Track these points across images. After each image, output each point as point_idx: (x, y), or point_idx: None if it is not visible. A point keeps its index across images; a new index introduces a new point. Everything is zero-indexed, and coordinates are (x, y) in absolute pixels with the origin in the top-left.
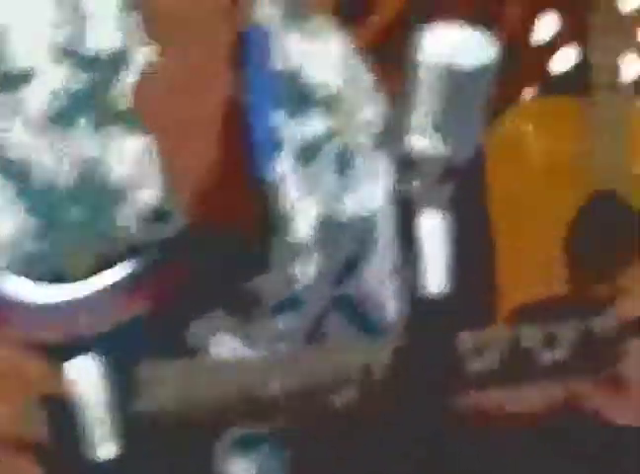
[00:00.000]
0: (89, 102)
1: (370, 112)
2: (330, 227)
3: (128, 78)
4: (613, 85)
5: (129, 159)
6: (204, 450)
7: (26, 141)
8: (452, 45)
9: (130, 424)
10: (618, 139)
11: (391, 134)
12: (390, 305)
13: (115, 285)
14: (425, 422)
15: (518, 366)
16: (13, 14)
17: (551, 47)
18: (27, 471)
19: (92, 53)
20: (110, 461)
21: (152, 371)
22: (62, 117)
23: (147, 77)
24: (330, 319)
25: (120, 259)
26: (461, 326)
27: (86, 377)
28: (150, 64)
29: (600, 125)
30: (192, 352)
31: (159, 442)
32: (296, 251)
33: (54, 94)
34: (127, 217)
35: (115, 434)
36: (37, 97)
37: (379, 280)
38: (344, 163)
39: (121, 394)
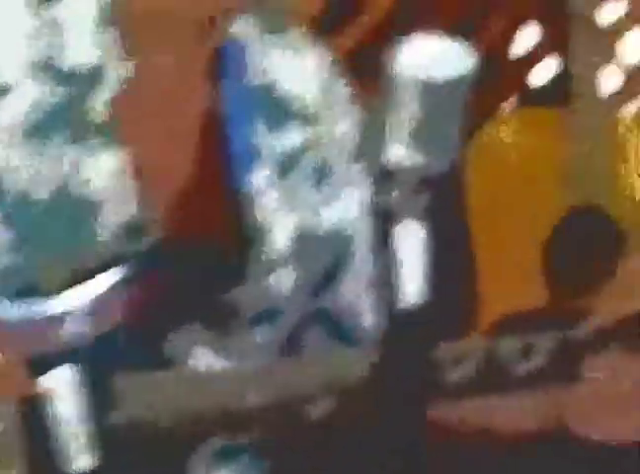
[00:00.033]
0: (65, 116)
1: (347, 124)
2: (307, 239)
3: (105, 93)
4: (594, 96)
5: (105, 173)
6: (181, 463)
7: (1, 154)
8: (429, 57)
9: (106, 436)
10: (599, 151)
11: (368, 146)
12: (368, 317)
13: (91, 299)
14: (402, 432)
15: (494, 377)
16: None
17: (532, 59)
18: None
19: (69, 68)
20: None
21: (128, 383)
22: (38, 130)
23: (124, 91)
24: (308, 332)
25: (97, 272)
26: (439, 337)
27: (62, 389)
28: (127, 79)
29: (581, 137)
30: (168, 364)
31: (135, 455)
32: (273, 263)
33: (31, 108)
34: (104, 231)
35: (91, 446)
36: (13, 110)
37: (357, 292)
38: (321, 175)
39: (98, 406)
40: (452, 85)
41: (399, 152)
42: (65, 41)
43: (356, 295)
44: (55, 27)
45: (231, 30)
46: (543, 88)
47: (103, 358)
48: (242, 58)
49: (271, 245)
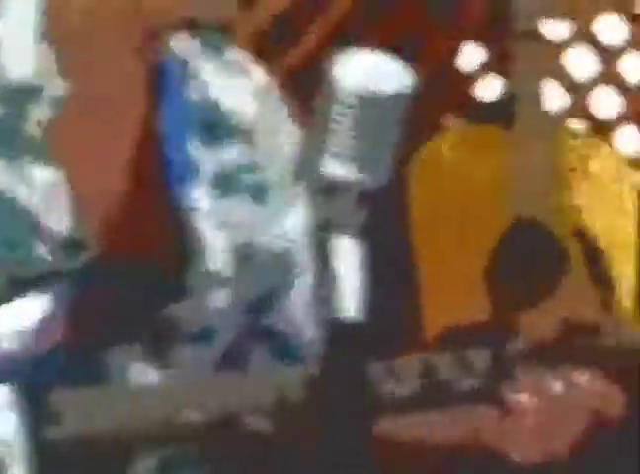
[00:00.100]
0: (0, 132)
1: (286, 142)
2: (246, 257)
3: (41, 109)
4: (537, 113)
5: (40, 189)
6: None
7: None
8: (367, 72)
9: (44, 451)
10: (541, 167)
11: (307, 163)
12: (310, 333)
13: (29, 314)
14: (342, 447)
15: (433, 393)
16: None
17: (475, 76)
18: None
19: (5, 85)
20: None
21: (66, 399)
22: None
23: (60, 108)
24: (250, 349)
25: (34, 288)
26: (378, 351)
27: None
28: (63, 96)
29: (523, 153)
30: (106, 379)
31: (74, 470)
32: (212, 280)
33: None
34: (40, 247)
35: (26, 462)
36: None
37: (299, 310)
38: (260, 193)
39: (33, 422)
40: (390, 101)
41: (338, 168)
42: (2, 58)
43: (299, 312)
44: None
45: (171, 47)
46: (488, 105)
47: (39, 375)
48: (182, 76)
49: (209, 262)
